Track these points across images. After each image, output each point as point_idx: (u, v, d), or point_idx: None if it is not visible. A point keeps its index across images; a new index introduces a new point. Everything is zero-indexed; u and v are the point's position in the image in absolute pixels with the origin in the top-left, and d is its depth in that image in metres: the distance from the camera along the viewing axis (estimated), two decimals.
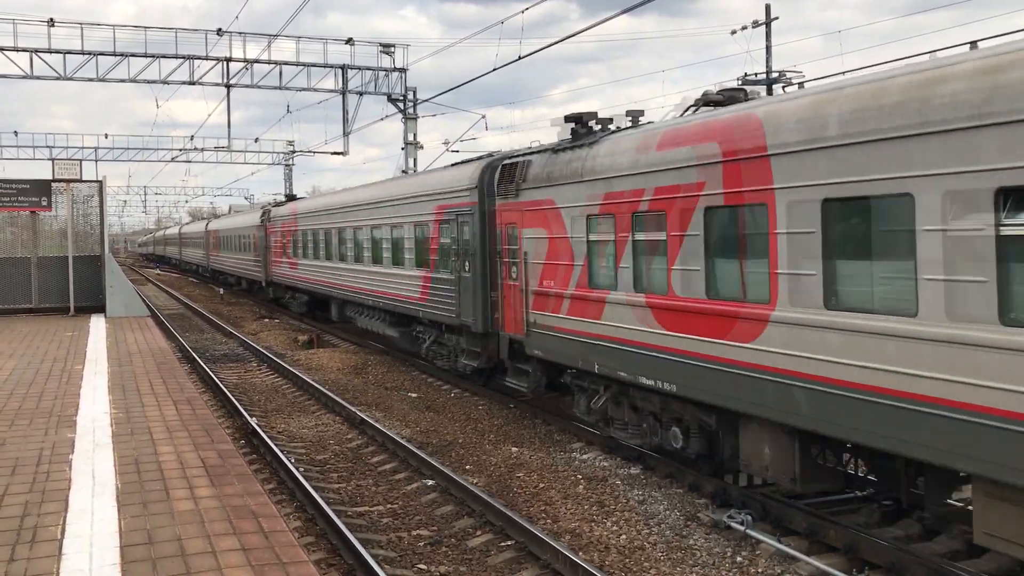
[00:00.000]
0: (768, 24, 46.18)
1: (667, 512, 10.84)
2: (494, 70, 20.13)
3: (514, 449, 13.88)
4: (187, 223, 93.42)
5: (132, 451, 7.72)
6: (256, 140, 62.31)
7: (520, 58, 18.98)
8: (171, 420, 9.26)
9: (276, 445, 13.74)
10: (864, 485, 10.42)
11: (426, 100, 42.34)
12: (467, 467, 12.96)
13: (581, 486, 11.86)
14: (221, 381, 19.81)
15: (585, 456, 13.50)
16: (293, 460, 13.20)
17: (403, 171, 38.45)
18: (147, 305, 33.68)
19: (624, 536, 10.00)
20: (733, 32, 48.71)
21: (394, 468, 13.04)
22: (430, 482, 12.12)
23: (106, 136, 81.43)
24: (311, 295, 31.85)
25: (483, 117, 41.77)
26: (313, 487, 11.49)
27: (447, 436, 14.86)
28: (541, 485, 11.86)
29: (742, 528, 10.05)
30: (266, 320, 34.97)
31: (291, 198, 37.41)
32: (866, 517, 10.13)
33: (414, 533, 10.21)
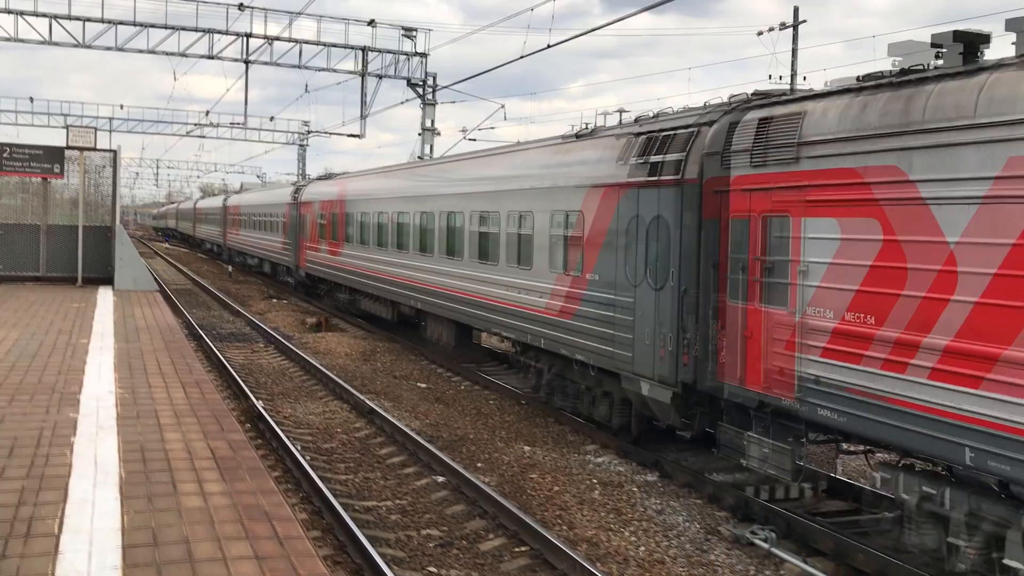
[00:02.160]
0: (795, 27, 45.76)
1: (686, 524, 10.44)
2: (521, 57, 19.65)
3: (526, 448, 13.48)
4: (266, 186, 65.90)
5: (138, 436, 7.26)
6: (272, 119, 61.76)
7: (549, 46, 18.50)
8: (179, 403, 8.82)
9: (282, 430, 13.36)
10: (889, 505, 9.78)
11: (446, 87, 41.85)
12: (479, 464, 12.56)
13: (597, 491, 11.45)
14: (227, 361, 19.45)
15: (599, 459, 13.09)
16: (299, 447, 12.82)
17: (419, 157, 37.85)
18: (156, 280, 33.31)
19: (643, 548, 9.60)
20: (759, 33, 48.19)
21: (403, 462, 12.64)
22: (440, 479, 11.72)
23: (122, 107, 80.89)
24: None
25: (502, 106, 41.32)
26: (320, 477, 11.11)
27: (458, 431, 14.46)
28: (555, 488, 11.45)
29: (766, 545, 9.64)
30: (274, 300, 34.59)
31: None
32: (894, 540, 9.72)
33: (424, 533, 9.81)
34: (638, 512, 10.75)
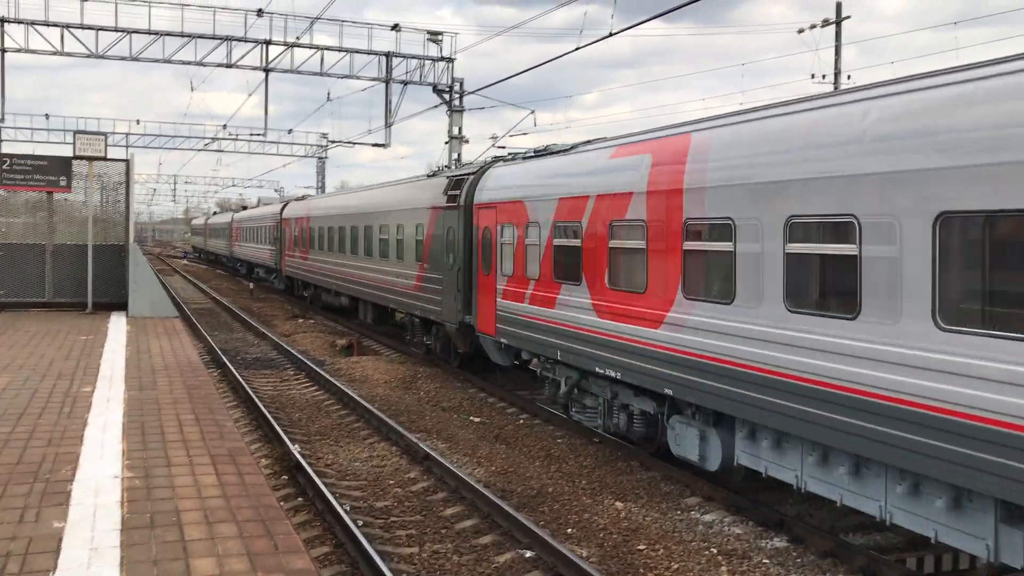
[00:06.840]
0: (838, 23, 43.77)
1: None
2: (567, 54, 17.53)
3: (619, 504, 11.22)
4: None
5: (151, 568, 4.83)
6: (290, 131, 59.86)
7: (612, 34, 16.35)
8: (210, 494, 6.36)
9: (326, 485, 11.18)
10: None
11: (473, 92, 39.74)
12: (569, 530, 10.30)
13: (723, 567, 9.19)
14: (255, 392, 17.34)
15: (708, 517, 10.84)
16: (348, 508, 10.63)
17: (445, 166, 35.85)
18: (176, 303, 31.20)
19: None
20: (800, 31, 46.06)
21: (475, 527, 10.41)
22: (528, 553, 9.47)
23: (138, 122, 79.25)
24: None
25: (532, 112, 39.09)
26: (378, 552, 8.92)
27: (531, 481, 12.21)
28: (673, 566, 9.19)
29: None
30: (299, 320, 32.50)
31: None
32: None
33: None
34: None
